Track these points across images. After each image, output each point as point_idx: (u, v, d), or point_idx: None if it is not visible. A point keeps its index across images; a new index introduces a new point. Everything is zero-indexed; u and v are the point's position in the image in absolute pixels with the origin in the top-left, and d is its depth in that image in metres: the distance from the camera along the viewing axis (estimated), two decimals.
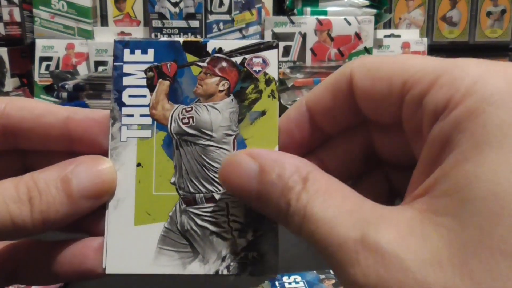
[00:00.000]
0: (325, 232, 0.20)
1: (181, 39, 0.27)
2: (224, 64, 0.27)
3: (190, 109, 0.26)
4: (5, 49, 1.30)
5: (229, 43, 0.27)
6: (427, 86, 0.20)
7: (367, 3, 1.26)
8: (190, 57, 0.27)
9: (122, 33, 1.32)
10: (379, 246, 0.18)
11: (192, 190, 0.26)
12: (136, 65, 0.27)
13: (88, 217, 0.25)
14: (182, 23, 1.25)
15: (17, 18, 1.31)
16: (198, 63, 0.27)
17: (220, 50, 0.27)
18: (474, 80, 0.19)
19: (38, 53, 1.31)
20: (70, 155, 0.26)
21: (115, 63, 0.27)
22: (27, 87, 1.36)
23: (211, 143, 0.26)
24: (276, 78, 0.27)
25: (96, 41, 1.30)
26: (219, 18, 1.26)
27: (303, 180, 0.21)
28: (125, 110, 0.26)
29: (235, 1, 1.24)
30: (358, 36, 1.25)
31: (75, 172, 0.25)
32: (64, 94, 1.10)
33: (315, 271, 0.55)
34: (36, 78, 1.32)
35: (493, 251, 0.16)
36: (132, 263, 0.25)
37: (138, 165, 0.26)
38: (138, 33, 1.32)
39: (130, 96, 0.27)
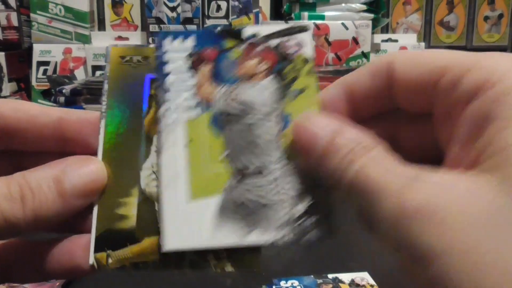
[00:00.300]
0: (379, 177, 0.21)
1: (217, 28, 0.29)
2: (262, 47, 0.28)
3: (234, 88, 0.27)
4: (3, 53, 1.30)
5: (264, 28, 0.28)
6: (463, 70, 0.22)
7: (365, 7, 1.26)
8: (229, 43, 0.28)
9: (120, 37, 1.32)
10: (432, 178, 0.20)
11: (242, 165, 0.27)
12: (178, 53, 0.28)
13: (75, 216, 0.26)
14: (179, 28, 1.25)
15: (15, 22, 1.31)
16: (237, 47, 0.28)
17: (256, 35, 0.28)
18: (509, 65, 0.21)
19: (36, 57, 1.31)
20: (62, 156, 0.26)
21: (157, 54, 0.28)
22: (25, 91, 1.36)
23: (256, 119, 0.27)
24: (312, 58, 0.28)
25: (94, 45, 1.30)
26: (217, 23, 1.26)
27: (375, 142, 0.23)
28: (169, 95, 0.27)
29: (233, 5, 1.25)
30: (355, 40, 1.25)
31: (66, 171, 0.25)
32: (62, 99, 1.09)
33: (312, 276, 0.55)
34: (34, 82, 1.31)
35: None
36: (190, 238, 0.25)
37: (188, 144, 0.27)
38: (135, 37, 1.32)
39: (174, 81, 0.28)
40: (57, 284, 0.51)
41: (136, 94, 0.29)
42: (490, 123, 0.20)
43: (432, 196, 0.19)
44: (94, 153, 0.27)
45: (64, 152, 0.27)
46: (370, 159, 0.22)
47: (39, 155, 0.28)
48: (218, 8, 1.25)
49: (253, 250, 0.26)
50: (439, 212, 0.18)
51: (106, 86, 0.28)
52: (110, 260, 0.26)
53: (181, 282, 0.53)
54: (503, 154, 0.19)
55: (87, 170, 0.26)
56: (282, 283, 0.54)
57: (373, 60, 0.26)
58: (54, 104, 1.13)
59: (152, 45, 0.29)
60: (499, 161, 0.19)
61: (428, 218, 0.19)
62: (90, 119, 0.28)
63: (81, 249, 0.26)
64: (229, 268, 0.26)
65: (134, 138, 0.28)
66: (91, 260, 0.26)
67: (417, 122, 0.26)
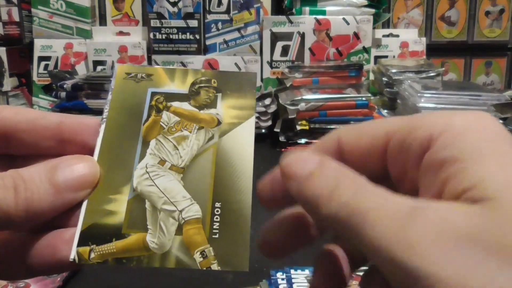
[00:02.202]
0: (376, 204, 0.20)
1: None
2: None
3: None
4: (4, 48, 1.30)
5: None
6: (407, 130, 0.23)
7: (366, 2, 1.26)
8: None
9: (121, 32, 1.32)
10: (432, 204, 0.20)
11: None
12: None
13: (63, 215, 0.26)
14: (180, 23, 1.25)
15: (16, 17, 1.31)
16: None
17: None
18: (446, 118, 0.22)
19: (37, 52, 1.31)
20: None
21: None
22: (26, 86, 1.36)
23: None
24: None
25: (95, 40, 1.30)
26: (218, 18, 1.26)
27: (358, 175, 0.23)
28: None
29: (234, 0, 1.24)
30: (356, 35, 1.25)
31: (60, 165, 0.26)
32: (63, 94, 1.10)
33: None
34: (35, 77, 1.32)
35: None
36: None
37: None
38: (136, 32, 1.32)
39: None
40: (58, 279, 0.52)
41: (137, 104, 0.30)
42: (451, 166, 0.20)
43: (436, 228, 0.19)
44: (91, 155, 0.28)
45: (63, 155, 0.28)
46: (360, 187, 0.22)
47: (37, 160, 0.28)
48: (219, 3, 1.25)
49: (242, 249, 0.26)
50: (448, 243, 0.18)
51: (110, 97, 0.31)
52: (92, 255, 0.26)
53: (182, 277, 0.53)
54: (479, 188, 0.19)
55: (79, 165, 0.26)
56: (279, 274, 0.54)
57: (320, 139, 0.27)
58: (55, 99, 1.14)
59: (157, 66, 0.32)
60: (477, 194, 0.19)
61: (438, 249, 0.18)
62: (89, 123, 0.29)
63: (65, 242, 0.26)
64: (215, 267, 0.26)
65: (131, 141, 0.29)
66: (73, 254, 0.26)
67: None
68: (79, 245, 0.26)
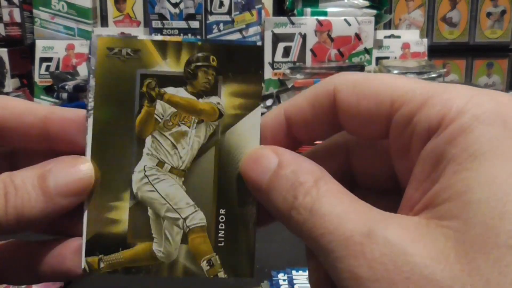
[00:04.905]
0: (331, 227, 0.20)
1: None
2: None
3: None
4: (5, 49, 1.30)
5: None
6: (418, 105, 0.21)
7: (367, 3, 1.26)
8: None
9: (122, 33, 1.32)
10: (387, 241, 0.19)
11: None
12: None
13: (66, 218, 0.26)
14: (182, 24, 1.25)
15: (17, 18, 1.31)
16: None
17: None
18: (464, 101, 0.20)
19: (38, 53, 1.31)
20: (53, 155, 0.26)
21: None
22: (27, 87, 1.36)
23: None
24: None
25: None
26: (219, 19, 1.26)
27: (315, 181, 0.22)
28: None
29: (235, 1, 1.24)
30: (358, 36, 1.25)
31: (52, 170, 0.25)
32: (64, 95, 1.10)
33: None
34: (36, 78, 1.32)
35: (500, 246, 0.17)
36: None
37: None
38: (138, 34, 1.32)
39: None
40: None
41: (126, 90, 0.26)
42: (445, 165, 0.19)
43: (388, 265, 0.18)
44: (82, 153, 0.26)
45: (53, 151, 0.27)
46: (316, 200, 0.21)
47: (32, 155, 0.27)
48: (221, 4, 1.25)
49: (247, 257, 0.26)
50: (395, 281, 0.18)
51: (92, 82, 0.26)
52: (102, 265, 0.26)
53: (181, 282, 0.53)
54: (461, 200, 0.18)
55: (73, 169, 0.25)
56: (280, 275, 0.54)
57: (313, 88, 0.25)
58: (57, 100, 1.14)
59: (141, 37, 0.27)
60: (457, 207, 0.18)
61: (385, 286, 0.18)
62: (75, 117, 0.27)
63: (72, 253, 0.26)
64: (222, 275, 0.26)
65: (124, 138, 0.26)
66: (83, 264, 0.26)
67: (372, 149, 0.26)
68: (87, 255, 0.26)
